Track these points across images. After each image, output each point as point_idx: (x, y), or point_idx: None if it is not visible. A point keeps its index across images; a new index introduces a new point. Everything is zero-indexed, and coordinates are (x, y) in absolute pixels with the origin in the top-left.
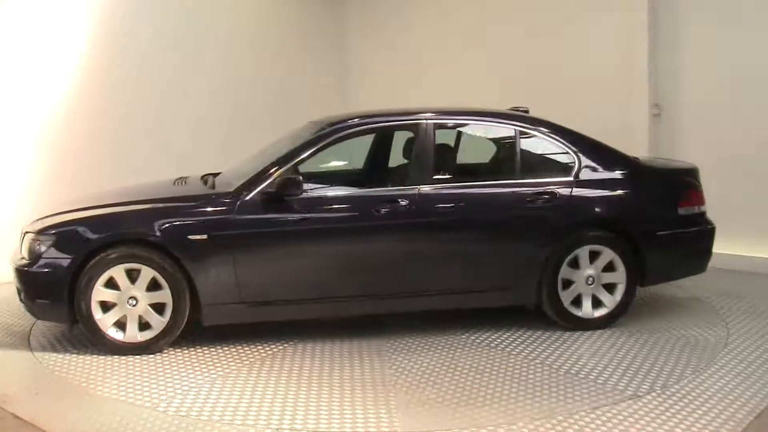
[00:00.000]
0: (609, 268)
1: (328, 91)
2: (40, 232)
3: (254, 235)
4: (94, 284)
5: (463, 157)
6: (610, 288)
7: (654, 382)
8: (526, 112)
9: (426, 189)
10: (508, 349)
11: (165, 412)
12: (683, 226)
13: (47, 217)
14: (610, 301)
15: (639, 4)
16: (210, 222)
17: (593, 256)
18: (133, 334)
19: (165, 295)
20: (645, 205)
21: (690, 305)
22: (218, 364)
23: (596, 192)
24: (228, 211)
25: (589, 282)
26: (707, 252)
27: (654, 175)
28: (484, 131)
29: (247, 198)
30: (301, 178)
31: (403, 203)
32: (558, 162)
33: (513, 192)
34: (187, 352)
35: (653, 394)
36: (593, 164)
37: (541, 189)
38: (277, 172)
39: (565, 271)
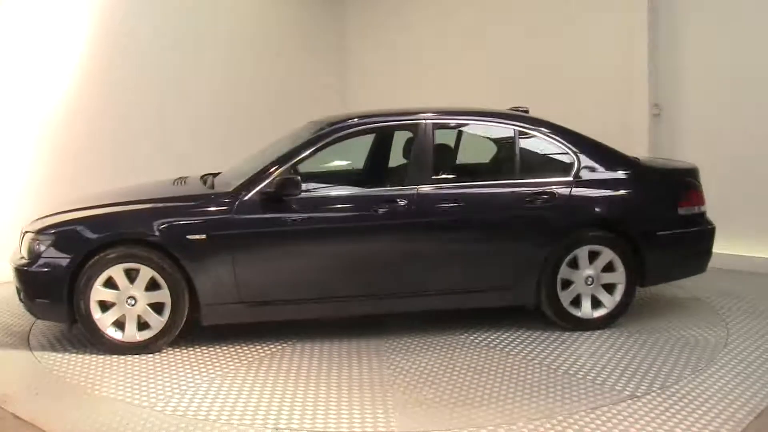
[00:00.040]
0: (609, 268)
1: (328, 91)
2: (40, 231)
3: (253, 234)
4: (93, 284)
5: (462, 157)
6: (609, 288)
7: (653, 382)
8: (526, 112)
9: (425, 189)
10: (506, 350)
11: (163, 412)
12: (683, 227)
13: (47, 216)
14: (609, 302)
15: (639, 4)
16: (209, 222)
17: (593, 256)
18: (132, 334)
19: (164, 295)
20: (645, 205)
21: (690, 305)
22: (217, 364)
23: (596, 192)
24: (227, 211)
25: (589, 282)
26: (707, 252)
27: (654, 175)
28: (483, 131)
29: (246, 198)
30: (299, 177)
31: (402, 203)
32: (557, 162)
33: (512, 192)
34: (185, 351)
35: (653, 394)
36: (593, 164)
37: (540, 189)
38: (276, 172)
39: (564, 272)
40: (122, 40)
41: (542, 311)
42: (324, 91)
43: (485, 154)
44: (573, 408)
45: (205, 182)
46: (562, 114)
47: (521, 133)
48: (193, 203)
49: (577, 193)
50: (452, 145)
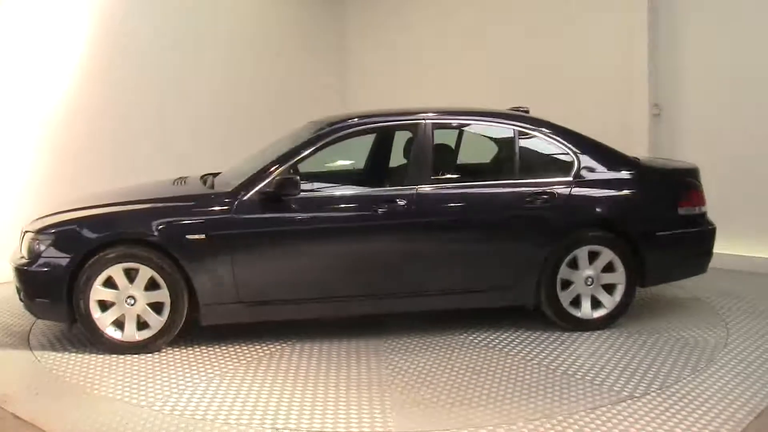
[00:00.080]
0: (608, 268)
1: (328, 91)
2: (40, 231)
3: (252, 234)
4: (93, 283)
5: (462, 157)
6: (609, 289)
7: (653, 382)
8: (527, 112)
9: (425, 189)
10: (506, 350)
11: (162, 411)
12: (683, 227)
13: (47, 216)
14: (609, 302)
15: (639, 4)
16: (208, 222)
17: (593, 256)
18: (131, 334)
19: (163, 295)
20: (645, 206)
21: (690, 305)
22: (216, 364)
23: (596, 192)
24: (226, 211)
25: (589, 282)
26: (708, 253)
27: (654, 176)
28: (483, 131)
29: (245, 198)
30: (298, 177)
31: (402, 203)
32: (557, 162)
33: (512, 192)
34: (185, 351)
35: (652, 394)
36: (593, 164)
37: (540, 189)
38: (276, 172)
39: (564, 272)
40: (122, 40)
41: (542, 311)
42: (324, 91)
43: (485, 154)
44: (572, 408)
45: (205, 182)
46: (562, 114)
47: (521, 133)
48: (192, 203)
49: (577, 193)
50: (452, 145)
